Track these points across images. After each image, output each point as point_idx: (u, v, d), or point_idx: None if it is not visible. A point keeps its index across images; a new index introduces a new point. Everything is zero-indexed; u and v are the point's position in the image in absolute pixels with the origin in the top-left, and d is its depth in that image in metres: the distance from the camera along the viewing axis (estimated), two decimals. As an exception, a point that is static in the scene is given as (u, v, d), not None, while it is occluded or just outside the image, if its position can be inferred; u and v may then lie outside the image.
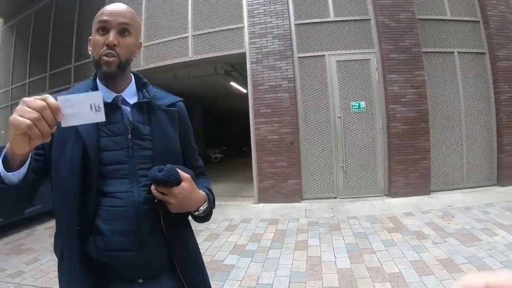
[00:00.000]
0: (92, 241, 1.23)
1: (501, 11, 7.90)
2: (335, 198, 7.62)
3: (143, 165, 1.28)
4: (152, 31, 9.24)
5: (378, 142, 7.55)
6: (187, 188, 1.22)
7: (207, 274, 1.52)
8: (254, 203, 7.83)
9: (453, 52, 7.80)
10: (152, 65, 9.18)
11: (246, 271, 4.08)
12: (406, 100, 7.33)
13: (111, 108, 1.30)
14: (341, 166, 7.60)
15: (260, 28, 7.94)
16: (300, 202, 7.54)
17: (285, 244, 4.94)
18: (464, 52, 7.84)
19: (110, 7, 1.30)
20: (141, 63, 9.30)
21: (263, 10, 7.96)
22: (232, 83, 13.14)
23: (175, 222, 1.34)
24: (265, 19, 7.92)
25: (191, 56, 8.61)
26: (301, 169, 7.71)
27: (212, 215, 1.45)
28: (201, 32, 8.54)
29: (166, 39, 8.98)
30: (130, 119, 1.33)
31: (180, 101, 1.54)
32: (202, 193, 1.36)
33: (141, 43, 1.44)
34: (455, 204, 6.40)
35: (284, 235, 5.38)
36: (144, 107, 1.38)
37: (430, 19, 7.85)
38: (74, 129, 1.19)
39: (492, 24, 7.79)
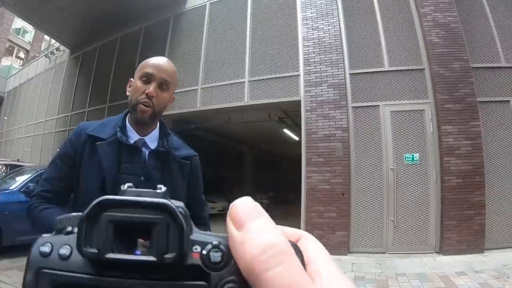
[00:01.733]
0: None
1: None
2: (384, 253, 7.49)
3: None
4: (210, 74, 9.62)
5: (431, 195, 7.45)
6: None
7: None
8: (301, 255, 7.85)
9: (509, 101, 7.60)
10: (208, 107, 9.54)
11: None
12: (460, 152, 7.22)
13: (133, 148, 1.49)
14: (391, 219, 7.52)
15: (315, 76, 8.13)
16: (347, 255, 7.45)
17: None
18: (522, 100, 7.65)
19: (156, 60, 1.51)
20: (197, 104, 9.68)
21: (319, 59, 8.15)
22: (285, 130, 13.23)
23: None
24: (321, 68, 8.10)
25: (246, 101, 8.90)
26: (350, 221, 7.66)
27: None
28: (257, 78, 8.84)
29: (224, 83, 9.34)
30: (146, 163, 1.49)
31: (195, 155, 1.67)
32: None
33: (174, 97, 1.61)
34: (510, 264, 6.19)
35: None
36: (160, 154, 1.53)
37: (485, 67, 7.71)
38: (97, 161, 1.41)
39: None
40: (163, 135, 1.59)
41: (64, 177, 1.49)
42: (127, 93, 1.54)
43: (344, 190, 7.63)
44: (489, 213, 7.23)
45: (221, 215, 15.00)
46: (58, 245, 0.31)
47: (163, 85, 1.47)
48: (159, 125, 1.61)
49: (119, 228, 0.30)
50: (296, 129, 8.63)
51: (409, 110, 7.68)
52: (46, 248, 0.30)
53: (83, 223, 0.29)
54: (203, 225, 1.68)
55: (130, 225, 0.30)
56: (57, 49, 16.66)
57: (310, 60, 8.21)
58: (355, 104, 7.92)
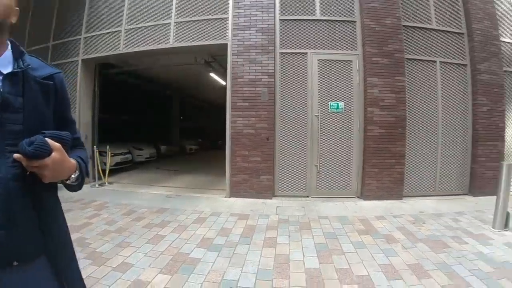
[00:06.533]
0: None
1: (485, 26, 7.99)
2: (307, 197, 7.56)
3: (12, 141, 1.21)
4: (135, 15, 8.99)
5: (354, 144, 7.52)
6: (58, 157, 1.22)
7: (75, 255, 1.55)
8: (225, 197, 7.69)
9: (435, 61, 7.84)
10: (132, 49, 8.91)
11: (212, 266, 3.93)
12: (385, 104, 7.32)
13: None
14: (315, 165, 7.54)
15: (244, 20, 7.78)
16: (271, 198, 7.45)
17: (253, 240, 4.81)
18: (446, 62, 7.90)
19: None
20: (121, 46, 9.03)
21: (249, 3, 7.80)
22: (212, 74, 12.99)
23: (47, 198, 1.36)
24: (250, 12, 7.77)
25: (172, 43, 8.39)
26: (275, 166, 7.63)
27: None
28: (184, 19, 8.33)
29: (149, 24, 8.74)
30: (1, 90, 1.24)
31: (58, 73, 1.49)
32: (73, 161, 1.37)
33: (18, 9, 1.37)
34: (426, 211, 6.43)
35: (254, 231, 5.25)
36: (19, 78, 1.30)
37: (415, 27, 7.86)
38: None
39: (476, 38, 7.87)
40: (17, 55, 1.35)
41: None
42: None
43: (268, 135, 7.52)
44: (408, 163, 7.53)
45: (148, 162, 14.52)
46: None
47: None
48: (11, 45, 1.36)
49: None
50: (224, 73, 8.35)
51: (337, 60, 7.61)
52: None
53: None
54: (79, 146, 1.62)
55: None
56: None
57: (240, 3, 7.82)
58: (283, 50, 7.70)
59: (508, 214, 5.22)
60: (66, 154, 1.29)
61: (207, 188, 8.83)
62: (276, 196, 7.60)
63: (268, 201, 7.27)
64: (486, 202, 6.89)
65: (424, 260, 4.01)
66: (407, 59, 7.59)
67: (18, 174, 1.20)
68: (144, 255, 4.34)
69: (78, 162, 1.41)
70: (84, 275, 1.42)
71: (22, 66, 1.31)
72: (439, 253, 4.24)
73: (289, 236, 4.98)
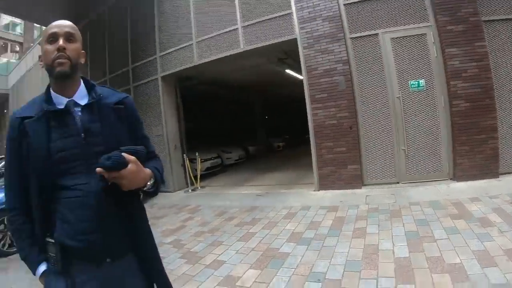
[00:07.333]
0: (61, 228, 1.45)
1: None
2: (397, 183, 7.30)
3: (96, 160, 1.39)
4: (203, 27, 9.45)
5: (441, 122, 7.08)
6: (134, 168, 1.41)
7: (158, 252, 1.75)
8: (314, 190, 7.77)
9: (516, 18, 7.03)
10: (205, 60, 9.38)
11: (301, 259, 4.08)
12: (467, 75, 6.77)
13: (64, 113, 1.51)
14: (402, 149, 7.27)
15: (308, 12, 7.76)
16: (361, 188, 7.35)
17: (343, 232, 4.85)
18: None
19: (55, 23, 1.53)
20: (194, 59, 9.57)
21: (309, -7, 7.75)
22: (288, 71, 13.04)
23: (130, 204, 1.59)
24: (313, 2, 7.72)
25: (242, 47, 8.68)
26: (361, 154, 7.50)
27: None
28: (250, 22, 8.56)
29: (217, 33, 9.13)
30: (82, 120, 1.51)
31: (127, 97, 1.72)
32: (148, 171, 1.55)
33: (84, 52, 1.64)
34: None
35: (343, 222, 5.27)
36: (94, 107, 1.55)
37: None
38: (27, 141, 1.47)
39: None
40: (89, 89, 1.63)
41: (21, 170, 1.53)
42: (41, 66, 1.56)
43: (351, 124, 7.43)
44: (502, 136, 6.86)
45: (238, 164, 14.98)
46: None
47: (69, 37, 1.52)
48: (83, 81, 1.63)
49: None
50: (299, 68, 8.37)
51: (410, 35, 7.23)
52: None
53: None
54: (154, 157, 1.81)
55: None
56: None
57: (300, -4, 7.82)
58: (353, 35, 7.53)
59: None
60: (141, 165, 1.47)
61: (296, 184, 8.99)
62: (365, 185, 7.46)
63: (357, 190, 7.20)
64: None
65: (523, 244, 3.68)
66: (485, 21, 6.90)
67: (104, 187, 1.41)
68: (236, 252, 4.63)
69: (153, 171, 1.59)
70: (179, 273, 1.69)
71: (95, 97, 1.57)
72: (542, 235, 3.87)
73: (378, 226, 4.92)
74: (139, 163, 1.46)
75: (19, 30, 29.36)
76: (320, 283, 3.43)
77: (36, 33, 26.22)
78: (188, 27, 9.81)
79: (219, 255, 4.63)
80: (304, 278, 3.58)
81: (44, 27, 18.65)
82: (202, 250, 4.92)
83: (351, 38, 7.54)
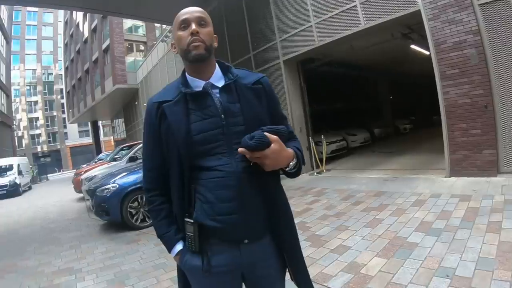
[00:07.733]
0: (200, 209, 1.50)
1: None
2: None
3: (237, 140, 1.46)
4: (320, 8, 9.44)
5: None
6: (277, 148, 1.43)
7: (297, 233, 1.74)
8: (445, 177, 7.28)
9: None
10: (326, 40, 9.39)
11: (429, 251, 3.92)
12: None
13: (202, 95, 1.54)
14: (549, 131, 6.29)
15: (429, -21, 7.14)
16: (496, 176, 6.58)
17: (476, 225, 4.47)
18: None
19: (185, 10, 1.57)
20: (315, 40, 9.65)
21: (429, -40, 7.10)
22: (413, 46, 12.35)
23: (270, 184, 1.58)
24: (435, -33, 7.06)
25: (363, 24, 8.46)
26: (498, 137, 6.65)
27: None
28: (369, -4, 8.24)
29: (336, 12, 9.04)
30: (221, 101, 1.53)
31: (263, 77, 1.70)
32: (290, 150, 1.55)
33: (216, 36, 1.63)
34: None
35: (476, 214, 4.85)
36: (232, 87, 1.57)
37: None
38: (170, 123, 1.52)
39: None
40: (225, 71, 1.65)
41: (159, 153, 1.62)
42: (175, 53, 1.62)
43: (486, 102, 6.65)
44: None
45: (363, 147, 14.79)
46: None
47: (200, 22, 1.54)
48: (218, 64, 1.66)
49: None
50: (425, 42, 7.82)
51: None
52: None
53: None
54: (292, 138, 1.75)
55: None
56: (170, 31, 18.22)
57: (421, -37, 7.18)
58: (482, 1, 6.61)
59: None
60: (283, 145, 1.49)
61: (425, 169, 8.52)
62: (501, 172, 6.62)
63: (492, 179, 6.49)
64: None
65: None
66: None
67: (245, 167, 1.46)
68: (362, 238, 4.64)
69: (295, 151, 1.58)
70: (304, 255, 1.78)
71: (232, 78, 1.58)
72: None
73: (516, 220, 4.43)
74: (281, 142, 1.47)
75: (141, 31, 32.81)
76: (449, 280, 3.24)
77: (157, 32, 29.70)
78: (305, 9, 9.88)
79: (345, 240, 4.68)
80: (432, 272, 3.43)
81: (164, 26, 20.36)
82: (327, 234, 5.02)
83: (479, 4, 6.64)
